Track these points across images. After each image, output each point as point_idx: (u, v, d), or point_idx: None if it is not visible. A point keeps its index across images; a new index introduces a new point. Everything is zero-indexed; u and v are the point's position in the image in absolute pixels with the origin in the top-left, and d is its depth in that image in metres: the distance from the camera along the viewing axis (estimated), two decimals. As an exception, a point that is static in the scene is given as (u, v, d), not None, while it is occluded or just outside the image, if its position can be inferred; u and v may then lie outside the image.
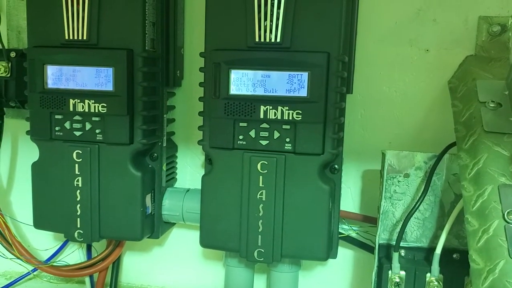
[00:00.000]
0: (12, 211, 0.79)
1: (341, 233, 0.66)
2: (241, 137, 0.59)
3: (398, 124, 0.65)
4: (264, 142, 0.58)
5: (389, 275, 0.59)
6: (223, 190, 0.61)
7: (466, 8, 0.62)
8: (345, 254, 0.70)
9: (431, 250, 0.59)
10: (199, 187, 0.62)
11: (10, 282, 0.77)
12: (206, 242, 0.63)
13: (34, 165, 0.65)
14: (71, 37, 0.60)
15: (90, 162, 0.62)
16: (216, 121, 0.59)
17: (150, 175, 0.65)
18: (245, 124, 0.58)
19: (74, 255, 0.74)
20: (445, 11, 0.62)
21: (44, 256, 0.76)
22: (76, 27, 0.60)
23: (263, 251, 0.60)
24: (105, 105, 0.60)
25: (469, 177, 0.51)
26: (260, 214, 0.60)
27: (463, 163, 0.52)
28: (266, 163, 0.58)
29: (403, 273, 0.59)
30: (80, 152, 0.62)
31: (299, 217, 0.59)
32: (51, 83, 0.62)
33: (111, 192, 0.63)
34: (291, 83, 0.57)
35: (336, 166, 0.61)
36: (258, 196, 0.59)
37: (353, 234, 0.67)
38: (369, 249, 0.66)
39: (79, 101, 0.61)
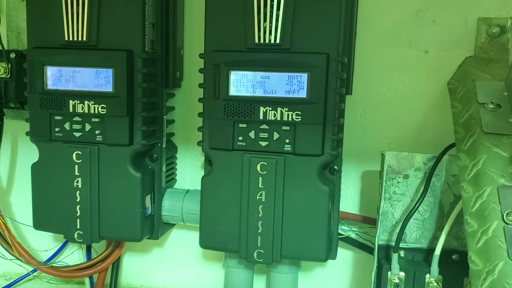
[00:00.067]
0: (12, 212, 0.79)
1: (340, 234, 0.66)
2: (240, 138, 0.59)
3: (398, 125, 0.65)
4: (263, 143, 0.58)
5: (389, 276, 0.59)
6: (223, 191, 0.61)
7: (466, 9, 0.62)
8: (345, 255, 0.70)
9: (430, 251, 0.59)
10: (199, 188, 0.62)
11: (10, 283, 0.77)
12: (206, 243, 0.63)
13: (34, 166, 0.65)
14: (70, 38, 0.61)
15: (90, 163, 0.62)
16: (215, 122, 0.59)
17: (149, 176, 0.65)
18: (244, 125, 0.58)
19: (74, 256, 0.74)
20: (444, 12, 0.62)
21: (44, 257, 0.76)
22: (75, 28, 0.60)
23: (262, 252, 0.60)
24: (105, 106, 0.61)
25: (468, 178, 0.51)
26: (260, 215, 0.60)
27: (462, 164, 0.52)
28: (266, 164, 0.59)
29: (402, 274, 0.59)
30: (80, 153, 0.62)
31: (299, 218, 0.59)
32: (50, 84, 0.62)
33: (110, 193, 0.63)
34: (290, 84, 0.57)
35: (335, 167, 0.61)
36: (257, 197, 0.59)
37: (353, 235, 0.67)
38: (369, 250, 0.66)
39: (78, 102, 0.61)
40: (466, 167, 0.52)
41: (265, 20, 0.56)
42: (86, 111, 0.61)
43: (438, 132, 0.64)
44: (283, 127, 0.58)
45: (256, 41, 0.57)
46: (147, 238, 0.67)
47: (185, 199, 0.68)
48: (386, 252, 0.61)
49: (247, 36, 0.57)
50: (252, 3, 0.56)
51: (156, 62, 0.63)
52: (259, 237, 0.60)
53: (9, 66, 0.70)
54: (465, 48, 0.62)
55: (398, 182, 0.60)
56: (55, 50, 0.61)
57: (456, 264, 0.59)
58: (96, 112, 0.61)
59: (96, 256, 0.72)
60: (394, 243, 0.59)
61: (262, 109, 0.57)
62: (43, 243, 0.77)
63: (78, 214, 0.64)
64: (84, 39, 0.60)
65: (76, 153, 0.62)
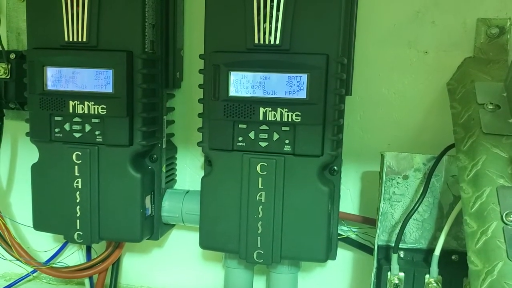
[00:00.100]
0: (12, 212, 0.79)
1: (340, 235, 0.66)
2: (240, 138, 0.59)
3: (397, 125, 0.65)
4: (263, 144, 0.59)
5: (388, 277, 0.59)
6: (223, 191, 0.61)
7: (465, 10, 0.62)
8: (344, 256, 0.70)
9: (430, 251, 0.59)
10: (199, 188, 0.62)
11: (10, 284, 0.77)
12: (206, 243, 0.63)
13: (34, 167, 0.65)
14: (70, 39, 0.61)
15: (90, 163, 0.62)
16: (215, 122, 0.59)
17: (149, 177, 0.65)
18: (244, 126, 0.59)
19: (74, 256, 0.74)
20: (443, 13, 0.62)
21: (44, 257, 0.76)
22: (75, 29, 0.60)
23: (262, 252, 0.60)
24: (105, 106, 0.61)
25: (467, 179, 0.51)
26: (260, 216, 0.60)
27: (461, 165, 0.52)
28: (266, 164, 0.59)
29: (402, 274, 0.59)
30: (80, 153, 0.62)
31: (299, 219, 0.59)
32: (50, 85, 0.62)
33: (110, 194, 0.63)
34: (290, 85, 0.57)
35: (335, 167, 0.62)
36: (257, 198, 0.59)
37: (352, 236, 0.67)
38: (368, 250, 0.66)
39: (78, 102, 0.61)
40: (465, 167, 0.52)
41: (264, 21, 0.57)
42: (86, 112, 0.61)
43: (438, 133, 0.64)
44: (283, 128, 0.58)
45: (256, 41, 0.57)
46: (147, 239, 0.67)
47: (185, 199, 0.68)
48: (385, 252, 0.61)
49: (247, 37, 0.57)
50: (252, 4, 0.57)
51: (156, 63, 0.64)
52: (259, 237, 0.60)
53: (9, 66, 0.70)
54: (464, 49, 0.62)
55: (397, 183, 0.60)
56: (55, 51, 0.61)
57: (455, 265, 0.59)
58: (96, 112, 0.61)
59: (96, 256, 0.72)
60: (393, 244, 0.59)
61: (262, 109, 0.57)
62: (43, 244, 0.77)
63: (78, 215, 0.64)
64: (84, 39, 0.60)
65: (76, 154, 0.63)
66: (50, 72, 0.62)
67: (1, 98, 0.71)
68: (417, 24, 0.63)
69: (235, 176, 0.60)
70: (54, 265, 0.74)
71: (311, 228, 0.59)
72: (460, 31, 0.62)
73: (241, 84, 0.58)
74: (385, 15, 0.64)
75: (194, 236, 0.66)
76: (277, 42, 0.56)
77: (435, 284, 0.58)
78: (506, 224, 0.47)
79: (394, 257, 0.59)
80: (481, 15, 0.61)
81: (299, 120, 0.57)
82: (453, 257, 0.59)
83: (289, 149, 0.58)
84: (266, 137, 0.58)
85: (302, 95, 0.57)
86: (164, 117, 0.67)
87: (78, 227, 0.64)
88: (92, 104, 0.61)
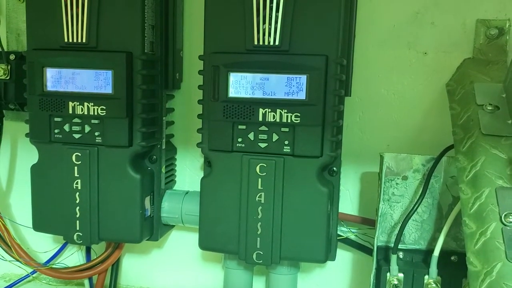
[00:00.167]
0: (12, 213, 0.79)
1: (339, 235, 0.66)
2: (240, 139, 0.59)
3: (396, 126, 0.66)
4: (263, 145, 0.59)
5: (388, 277, 0.59)
6: (222, 192, 0.61)
7: (464, 11, 0.62)
8: (344, 256, 0.70)
9: (429, 252, 0.59)
10: (198, 189, 0.62)
11: (9, 285, 0.77)
12: (205, 244, 0.63)
13: (34, 168, 0.65)
14: (70, 40, 0.61)
15: (89, 164, 0.62)
16: (215, 123, 0.59)
17: (149, 178, 0.65)
18: (244, 127, 0.59)
19: (73, 257, 0.74)
20: (443, 14, 0.62)
21: (43, 258, 0.76)
22: (75, 30, 0.60)
23: (262, 253, 0.60)
24: (104, 107, 0.61)
25: (466, 180, 0.51)
26: (259, 217, 0.60)
27: (461, 166, 0.52)
28: (265, 165, 0.59)
29: (401, 275, 0.59)
30: (79, 154, 0.62)
31: (298, 220, 0.59)
32: (50, 86, 0.62)
33: (110, 195, 0.63)
34: (289, 86, 0.57)
35: (334, 168, 0.62)
36: (257, 199, 0.59)
37: (352, 236, 0.67)
38: (368, 251, 0.66)
39: (78, 103, 0.61)
40: (464, 168, 0.52)
41: (264, 22, 0.57)
42: (86, 113, 0.61)
43: (437, 134, 0.64)
44: (282, 129, 0.58)
45: (255, 43, 0.57)
46: (147, 240, 0.67)
47: (184, 200, 0.68)
48: (385, 253, 0.61)
49: (246, 38, 0.57)
50: (252, 5, 0.57)
51: (155, 64, 0.64)
52: (258, 238, 0.60)
53: (9, 67, 0.70)
54: (463, 50, 0.62)
55: (397, 184, 0.60)
56: (55, 52, 0.61)
57: (454, 265, 0.59)
58: (96, 113, 0.61)
59: (95, 257, 0.72)
60: (393, 244, 0.59)
61: (261, 110, 0.57)
62: (42, 245, 0.77)
63: (77, 216, 0.64)
64: (84, 40, 0.60)
65: (76, 155, 0.63)
66: (50, 73, 0.62)
67: (0, 99, 0.71)
68: (417, 25, 0.63)
69: (234, 177, 0.60)
70: (53, 266, 0.74)
71: (310, 229, 0.59)
72: (460, 32, 0.62)
73: (241, 85, 0.58)
74: (384, 16, 0.64)
75: (194, 237, 0.66)
76: (277, 43, 0.57)
77: (434, 285, 0.58)
78: (505, 225, 0.47)
79: (394, 258, 0.59)
80: (480, 16, 0.61)
81: (299, 121, 0.57)
82: (452, 258, 0.59)
83: (289, 150, 0.58)
84: (265, 138, 0.58)
85: (302, 96, 0.57)
86: (164, 118, 0.67)
87: (77, 228, 0.64)
88: (91, 105, 0.61)
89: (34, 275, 0.78)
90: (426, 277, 0.59)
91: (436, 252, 0.58)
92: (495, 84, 0.57)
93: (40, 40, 0.62)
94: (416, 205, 0.58)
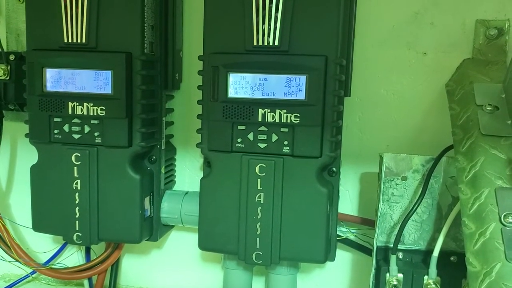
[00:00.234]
0: (11, 213, 0.79)
1: (339, 236, 0.66)
2: (239, 140, 0.59)
3: (396, 127, 0.66)
4: (262, 145, 0.59)
5: (387, 278, 0.59)
6: (222, 192, 0.61)
7: (464, 11, 0.62)
8: (343, 257, 0.70)
9: (428, 252, 0.59)
10: (198, 189, 0.62)
11: (9, 285, 0.77)
12: (205, 244, 0.63)
13: (33, 168, 0.65)
14: (70, 40, 0.61)
15: (89, 165, 0.62)
16: (214, 124, 0.59)
17: (148, 178, 0.65)
18: (243, 127, 0.59)
19: (73, 257, 0.74)
20: (442, 14, 0.62)
21: (43, 258, 0.76)
22: (75, 30, 0.60)
23: (261, 253, 0.60)
24: (104, 108, 0.61)
25: (466, 180, 0.51)
26: (259, 217, 0.60)
27: (460, 166, 0.52)
28: (264, 166, 0.59)
29: (400, 275, 0.59)
30: (79, 155, 0.62)
31: (297, 220, 0.59)
32: (50, 86, 0.62)
33: (109, 195, 0.63)
34: (289, 86, 0.57)
35: (334, 169, 0.62)
36: (256, 199, 0.59)
37: (351, 237, 0.67)
38: (367, 251, 0.66)
39: (78, 104, 0.61)
40: (464, 169, 0.52)
41: (263, 22, 0.57)
42: (85, 113, 0.61)
43: (436, 134, 0.64)
44: (282, 129, 0.58)
45: (255, 43, 0.57)
46: (146, 240, 0.67)
47: (184, 200, 0.68)
48: (384, 253, 0.61)
49: (246, 38, 0.57)
50: (251, 5, 0.57)
51: (155, 64, 0.64)
52: (257, 238, 0.60)
53: (9, 68, 0.70)
54: (463, 50, 0.62)
55: (396, 184, 0.60)
56: (54, 52, 0.61)
57: (454, 266, 0.59)
58: (95, 114, 0.61)
59: (95, 257, 0.72)
60: (392, 245, 0.59)
61: (260, 111, 0.57)
62: (42, 245, 0.77)
63: (77, 216, 0.64)
64: (83, 41, 0.60)
65: (75, 155, 0.63)
66: (50, 74, 0.62)
67: (0, 99, 0.71)
68: (416, 25, 0.63)
69: (234, 177, 0.60)
70: (53, 266, 0.74)
71: (310, 229, 0.59)
72: (459, 32, 0.62)
73: (240, 85, 0.58)
74: (384, 16, 0.64)
75: (193, 237, 0.66)
76: (276, 43, 0.57)
77: (433, 285, 0.58)
78: (504, 225, 0.47)
79: (393, 258, 0.59)
80: (480, 16, 0.61)
81: (298, 121, 0.57)
82: (451, 258, 0.59)
83: (288, 150, 0.58)
84: (265, 138, 0.58)
85: (301, 96, 0.57)
86: (163, 118, 0.67)
87: (77, 228, 0.64)
88: (91, 106, 0.61)
89: (33, 276, 0.78)
90: (426, 277, 0.59)
91: (436, 253, 0.58)
92: (494, 85, 0.57)
93: (40, 40, 0.62)
94: (416, 206, 0.58)
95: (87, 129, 0.62)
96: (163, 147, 0.67)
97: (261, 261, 0.61)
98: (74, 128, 0.62)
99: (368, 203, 0.68)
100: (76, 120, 0.62)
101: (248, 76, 0.58)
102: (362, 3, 0.63)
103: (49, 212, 0.65)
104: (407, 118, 0.65)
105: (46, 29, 0.61)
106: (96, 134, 0.62)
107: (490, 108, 0.54)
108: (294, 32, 0.56)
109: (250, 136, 0.59)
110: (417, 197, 0.59)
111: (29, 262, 0.72)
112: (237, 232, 0.61)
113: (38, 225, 0.66)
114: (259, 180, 0.59)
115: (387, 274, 0.59)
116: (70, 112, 0.61)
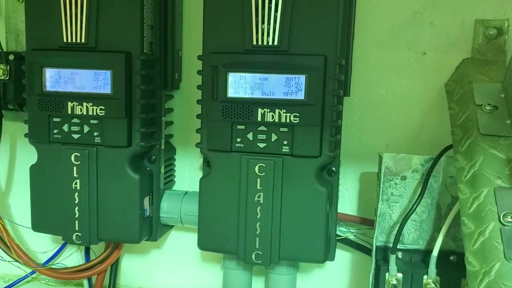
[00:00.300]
0: (11, 213, 0.79)
1: (338, 235, 0.66)
2: (239, 139, 0.59)
3: (395, 126, 0.66)
4: (261, 145, 0.59)
5: (386, 277, 0.59)
6: (221, 192, 0.61)
7: (463, 11, 0.62)
8: (343, 256, 0.70)
9: (428, 252, 0.59)
10: (197, 189, 0.62)
11: (9, 285, 0.77)
12: (204, 244, 0.63)
13: (33, 168, 0.65)
14: (69, 40, 0.61)
15: (88, 164, 0.62)
16: (214, 123, 0.59)
17: (148, 178, 0.65)
18: (242, 127, 0.59)
19: (73, 257, 0.74)
20: (441, 14, 0.62)
21: (42, 258, 0.76)
22: (74, 30, 0.60)
23: (261, 253, 0.60)
24: (103, 107, 0.61)
25: (465, 180, 0.51)
26: (258, 217, 0.60)
27: (459, 166, 0.52)
28: (264, 165, 0.59)
29: (400, 275, 0.59)
30: (78, 154, 0.62)
31: (297, 220, 0.59)
32: (49, 86, 0.62)
33: (109, 195, 0.63)
34: (288, 86, 0.57)
35: (333, 168, 0.62)
36: (256, 199, 0.59)
37: (351, 236, 0.67)
38: (367, 251, 0.66)
39: (77, 103, 0.61)
40: (463, 168, 0.52)
41: (263, 22, 0.57)
42: (85, 113, 0.61)
43: (436, 134, 0.64)
44: (281, 129, 0.58)
45: (254, 43, 0.57)
46: (146, 240, 0.67)
47: (183, 200, 0.68)
48: (384, 253, 0.61)
49: (245, 38, 0.57)
50: (250, 5, 0.57)
51: (154, 64, 0.64)
52: (257, 238, 0.60)
53: (8, 68, 0.70)
54: (462, 50, 0.62)
55: (395, 184, 0.60)
56: (54, 52, 0.61)
57: (453, 265, 0.59)
58: (95, 113, 0.61)
59: (94, 257, 0.72)
60: (392, 245, 0.59)
61: (260, 110, 0.57)
62: (41, 245, 0.77)
63: (76, 216, 0.64)
64: (83, 41, 0.60)
65: (75, 155, 0.63)
66: (49, 73, 0.62)
67: (0, 99, 0.71)
68: (415, 25, 0.63)
69: (233, 177, 0.60)
70: (53, 266, 0.74)
71: (309, 229, 0.59)
72: (458, 32, 0.62)
73: (240, 85, 0.58)
74: (383, 16, 0.64)
75: (193, 237, 0.66)
76: (275, 43, 0.57)
77: (433, 285, 0.58)
78: (504, 224, 0.47)
79: (392, 258, 0.59)
80: (479, 16, 0.61)
81: (297, 121, 0.57)
82: (451, 257, 0.59)
83: (287, 150, 0.58)
84: (264, 138, 0.58)
85: (300, 96, 0.57)
86: (163, 118, 0.67)
87: (76, 228, 0.64)
88: (90, 105, 0.61)
89: (33, 276, 0.78)
90: (425, 277, 0.59)
91: (435, 252, 0.58)
92: (493, 84, 0.57)
93: (39, 40, 0.62)
94: (415, 205, 0.58)
95: (86, 129, 0.62)
96: (162, 147, 0.67)
97: (260, 261, 0.61)
98: (74, 128, 0.62)
99: (367, 203, 0.68)
100: (75, 120, 0.62)
101: (248, 75, 0.58)
102: (362, 3, 0.63)
103: (48, 212, 0.65)
104: (407, 117, 0.65)
105: (45, 29, 0.61)
106: (95, 134, 0.62)
107: (489, 108, 0.54)
108: (294, 31, 0.56)
109: (250, 136, 0.59)
110: (416, 197, 0.59)
111: (29, 262, 0.72)
112: (236, 232, 0.61)
113: (38, 225, 0.66)
114: (258, 180, 0.59)
115: (387, 274, 0.59)
116: (69, 112, 0.61)
